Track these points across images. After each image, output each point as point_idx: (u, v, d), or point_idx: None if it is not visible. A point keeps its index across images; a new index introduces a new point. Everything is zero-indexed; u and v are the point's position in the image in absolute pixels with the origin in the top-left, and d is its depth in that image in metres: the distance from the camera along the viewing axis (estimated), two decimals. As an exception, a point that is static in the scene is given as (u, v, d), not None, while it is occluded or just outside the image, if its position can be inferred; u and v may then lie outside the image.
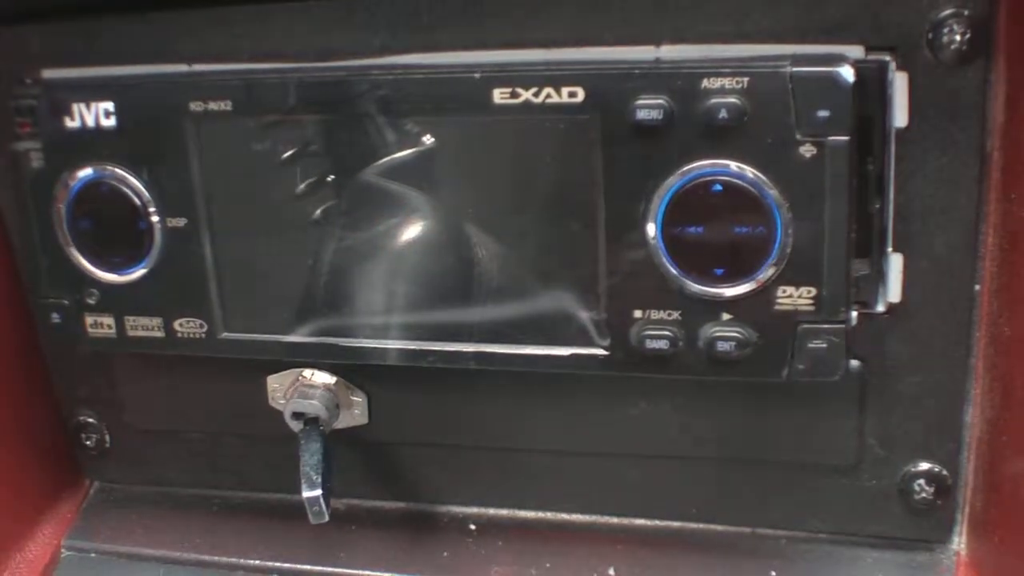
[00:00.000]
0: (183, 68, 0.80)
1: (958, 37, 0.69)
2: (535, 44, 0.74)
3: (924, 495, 0.82)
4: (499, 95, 0.72)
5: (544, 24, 0.74)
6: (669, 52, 0.72)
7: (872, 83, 0.70)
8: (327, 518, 0.83)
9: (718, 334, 0.75)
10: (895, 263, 0.75)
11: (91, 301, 0.86)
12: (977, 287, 0.76)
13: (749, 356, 0.75)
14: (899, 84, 0.70)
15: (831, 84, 0.68)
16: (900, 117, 0.71)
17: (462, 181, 0.77)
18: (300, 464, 0.83)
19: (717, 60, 0.70)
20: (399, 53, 0.76)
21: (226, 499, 0.99)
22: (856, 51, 0.70)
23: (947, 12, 0.69)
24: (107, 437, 1.00)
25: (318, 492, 0.82)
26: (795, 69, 0.68)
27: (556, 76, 0.71)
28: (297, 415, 0.87)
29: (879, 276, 0.75)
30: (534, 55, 0.74)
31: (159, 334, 0.86)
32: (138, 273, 0.84)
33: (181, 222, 0.82)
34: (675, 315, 0.75)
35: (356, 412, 0.89)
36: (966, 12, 0.68)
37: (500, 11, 0.74)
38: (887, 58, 0.70)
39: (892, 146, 0.72)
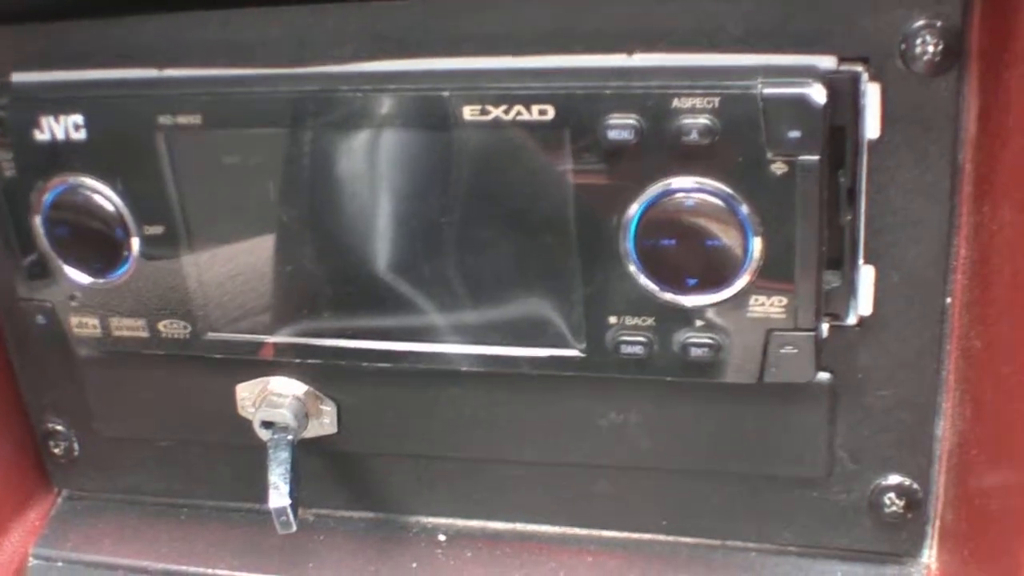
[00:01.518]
0: (153, 73, 0.79)
1: (931, 48, 0.69)
2: (506, 51, 0.74)
3: (894, 508, 0.82)
4: (469, 112, 0.72)
5: (515, 30, 0.74)
6: (641, 61, 0.72)
7: (845, 94, 0.70)
8: (295, 528, 0.82)
9: (692, 340, 0.75)
10: (866, 275, 0.75)
11: (74, 303, 0.86)
12: (948, 300, 0.76)
13: (722, 360, 0.75)
14: (872, 95, 0.70)
15: (802, 105, 0.67)
16: (872, 128, 0.71)
17: (435, 192, 0.76)
18: (268, 474, 0.83)
19: (689, 73, 0.70)
20: (370, 60, 0.76)
21: (195, 508, 0.98)
22: (829, 61, 0.70)
23: (920, 23, 0.68)
24: (75, 445, 0.99)
25: (286, 503, 0.82)
26: (766, 91, 0.68)
27: (526, 94, 0.71)
28: (266, 424, 0.87)
29: (850, 288, 0.75)
30: (505, 63, 0.73)
31: (144, 334, 0.86)
32: (120, 278, 0.84)
33: (158, 230, 0.82)
34: (649, 321, 0.76)
35: (325, 421, 0.89)
36: (939, 23, 0.68)
37: (471, 17, 0.74)
38: (860, 69, 0.70)
39: (864, 158, 0.72)
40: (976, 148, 0.72)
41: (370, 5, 0.75)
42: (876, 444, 0.81)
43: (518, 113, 0.71)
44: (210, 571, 0.94)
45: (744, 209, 0.70)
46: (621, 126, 0.70)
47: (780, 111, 0.68)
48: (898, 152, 0.72)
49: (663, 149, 0.70)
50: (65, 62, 0.81)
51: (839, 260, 0.74)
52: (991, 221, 0.72)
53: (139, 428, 0.96)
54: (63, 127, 0.79)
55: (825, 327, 0.76)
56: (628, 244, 0.73)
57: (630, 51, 0.72)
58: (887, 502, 0.82)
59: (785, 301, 0.73)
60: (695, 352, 0.75)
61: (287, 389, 0.88)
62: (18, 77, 0.82)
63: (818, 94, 0.67)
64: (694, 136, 0.69)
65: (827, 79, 0.69)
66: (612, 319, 0.76)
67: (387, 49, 0.75)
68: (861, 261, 0.75)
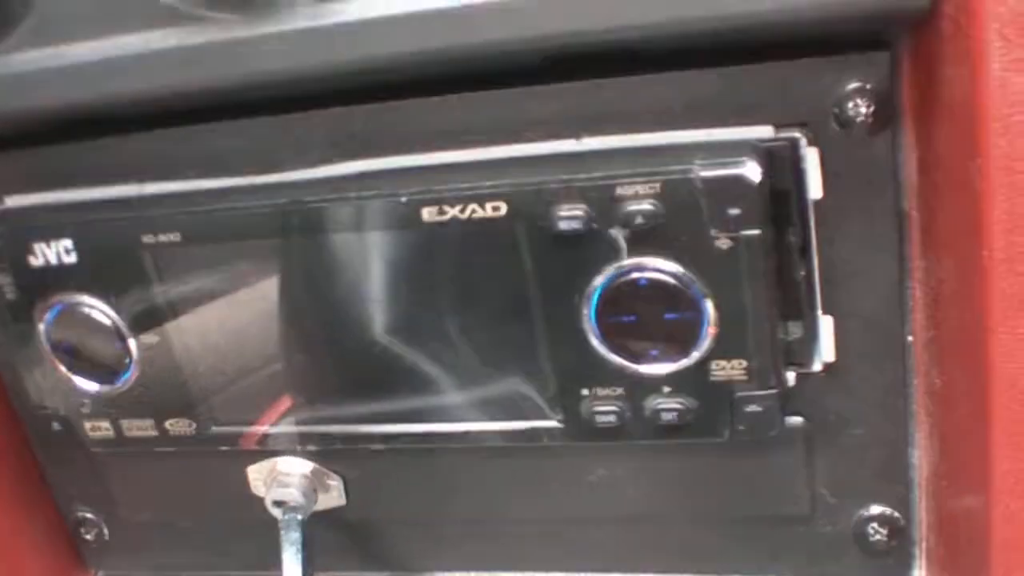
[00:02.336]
0: (134, 189, 0.83)
1: (863, 110, 0.71)
2: (463, 143, 0.77)
3: (879, 537, 0.85)
4: (427, 213, 0.76)
5: (469, 124, 0.77)
6: (588, 144, 0.75)
7: (785, 160, 0.72)
8: None
9: (661, 405, 0.78)
10: (825, 325, 0.78)
11: (85, 410, 0.91)
12: (910, 338, 0.79)
13: (692, 422, 0.79)
14: (811, 159, 0.73)
15: (739, 184, 0.70)
16: (815, 189, 0.74)
17: (406, 287, 0.80)
18: (282, 554, 0.87)
19: (632, 157, 0.73)
20: (334, 163, 0.79)
21: None
22: (766, 131, 0.72)
23: (851, 87, 0.71)
24: (105, 530, 1.04)
25: (299, 585, 0.86)
26: (703, 173, 0.71)
27: (479, 194, 0.74)
28: (277, 503, 0.91)
29: (812, 338, 0.78)
30: (461, 156, 0.77)
31: (153, 433, 0.91)
32: (124, 384, 0.89)
33: (154, 339, 0.86)
34: (619, 391, 0.79)
35: (333, 494, 0.93)
36: (869, 86, 0.71)
37: (427, 115, 0.77)
38: (798, 135, 0.72)
39: (811, 217, 0.75)
40: (920, 197, 0.75)
41: (333, 112, 0.79)
42: (855, 479, 0.84)
43: (473, 211, 0.75)
44: (241, 641, 0.99)
45: (695, 283, 0.74)
46: (570, 216, 0.73)
47: (718, 191, 0.71)
48: (843, 209, 0.75)
49: (612, 234, 0.73)
50: (54, 183, 0.85)
51: (799, 312, 0.77)
52: (937, 267, 0.75)
53: (162, 512, 1.01)
54: (54, 251, 0.84)
55: (792, 375, 0.79)
56: (591, 323, 0.77)
57: (577, 136, 0.75)
58: (871, 531, 0.85)
59: (745, 363, 0.76)
60: (665, 417, 0.78)
61: (294, 468, 0.92)
62: (11, 201, 0.86)
63: (752, 172, 0.70)
64: (640, 220, 0.72)
65: (766, 148, 0.72)
66: (584, 391, 0.80)
67: (349, 151, 0.79)
68: (819, 312, 0.77)
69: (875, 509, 0.85)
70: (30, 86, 0.77)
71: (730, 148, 0.72)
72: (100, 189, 0.84)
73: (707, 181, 0.71)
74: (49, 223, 0.84)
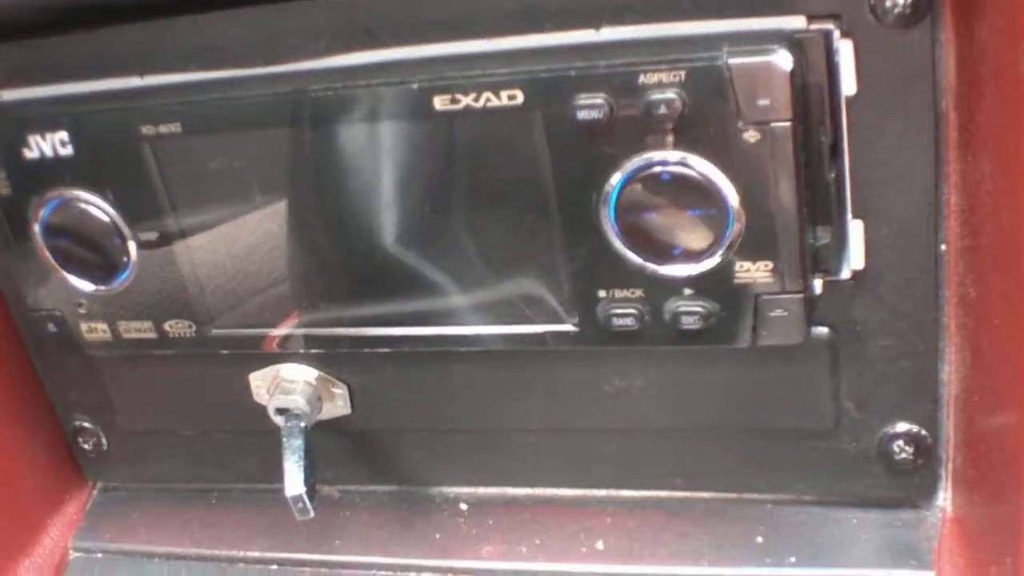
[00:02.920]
0: (135, 81, 0.80)
1: (900, 0, 0.67)
2: (476, 33, 0.73)
3: (904, 455, 0.82)
4: (440, 102, 0.72)
5: (484, 12, 0.73)
6: (608, 35, 0.71)
7: (817, 53, 0.69)
8: (311, 514, 0.84)
9: (682, 309, 0.75)
10: (855, 230, 0.74)
11: (82, 311, 0.88)
12: (943, 247, 0.76)
13: (713, 327, 0.76)
14: (845, 52, 0.69)
15: (769, 72, 0.67)
16: (848, 85, 0.70)
17: (418, 181, 0.77)
18: (283, 462, 0.85)
19: (655, 46, 0.69)
20: (341, 53, 0.76)
21: (224, 492, 1.01)
22: (798, 21, 0.69)
23: None
24: (104, 440, 1.02)
25: (300, 490, 0.84)
26: (731, 60, 0.67)
27: (494, 80, 0.71)
28: (280, 411, 0.88)
29: (841, 244, 0.75)
30: (475, 46, 0.73)
31: (152, 335, 0.88)
32: (122, 284, 0.86)
33: (153, 235, 0.83)
34: (638, 293, 0.76)
35: (339, 403, 0.91)
36: None
37: (439, 1, 0.74)
38: (831, 26, 0.69)
39: (843, 114, 0.71)
40: (956, 96, 0.71)
41: (339, 0, 0.75)
42: (881, 393, 0.81)
43: (487, 100, 0.71)
44: (242, 553, 0.97)
45: (721, 178, 0.70)
46: (590, 105, 0.70)
47: (747, 80, 0.67)
48: (877, 106, 0.71)
49: (634, 125, 0.70)
50: (51, 76, 0.82)
51: (828, 216, 0.74)
52: (974, 169, 0.71)
53: (161, 421, 0.98)
54: (50, 144, 0.81)
55: (819, 283, 0.76)
56: (610, 220, 0.73)
57: (597, 26, 0.72)
58: (896, 449, 0.82)
59: (770, 265, 0.72)
60: (686, 321, 0.75)
61: (298, 375, 0.90)
62: (7, 95, 0.83)
63: (784, 60, 0.67)
64: (663, 110, 0.68)
65: (797, 39, 0.68)
66: (601, 293, 0.76)
67: (357, 41, 0.75)
68: (849, 216, 0.74)
69: (901, 426, 0.82)
70: None
71: (760, 38, 0.68)
72: (99, 81, 0.81)
73: (736, 69, 0.67)
74: (45, 114, 0.81)
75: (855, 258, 0.75)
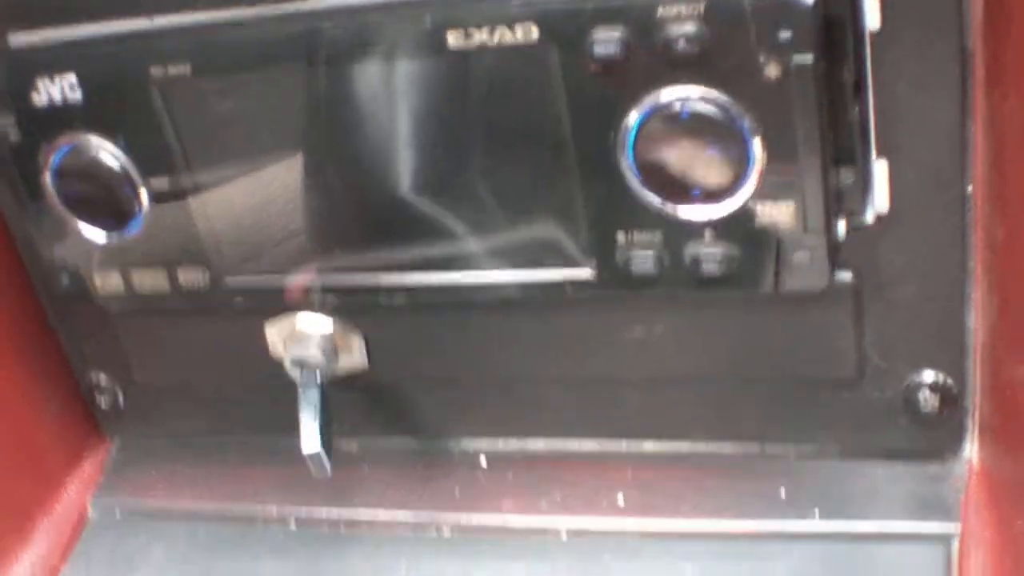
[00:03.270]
0: (144, 22, 0.79)
1: None
2: None
3: (930, 406, 0.81)
4: (453, 38, 0.71)
5: None
6: None
7: None
8: (328, 472, 0.84)
9: (702, 252, 0.74)
10: (880, 170, 0.73)
11: (96, 261, 0.88)
12: (970, 188, 0.74)
13: (734, 272, 0.74)
14: None
15: (790, 4, 0.65)
16: (872, 19, 0.68)
17: (432, 120, 0.76)
18: (299, 419, 0.84)
19: None
20: None
21: (243, 446, 1.00)
22: None
23: None
24: (120, 396, 1.01)
25: (317, 448, 0.83)
26: None
27: (509, 14, 0.69)
28: (297, 362, 0.87)
29: (865, 185, 0.73)
30: None
31: (165, 285, 0.87)
32: (134, 232, 0.85)
33: (164, 181, 0.82)
34: (657, 236, 0.75)
35: (355, 355, 0.89)
36: None
37: None
38: None
39: (867, 51, 0.70)
40: (984, 32, 0.69)
41: None
42: (906, 341, 0.79)
43: (502, 35, 0.70)
44: (261, 507, 0.96)
45: (741, 116, 0.68)
46: (607, 40, 0.68)
47: (768, 12, 0.65)
48: (902, 42, 0.69)
49: (653, 61, 0.68)
50: (58, 19, 0.81)
51: (851, 157, 0.72)
52: (1002, 109, 0.69)
53: (178, 375, 0.98)
54: (59, 88, 0.80)
55: (842, 226, 0.74)
56: (628, 159, 0.72)
57: None
58: (922, 399, 0.81)
59: (793, 206, 0.71)
60: (707, 266, 0.74)
61: (314, 326, 0.88)
62: (14, 39, 0.82)
63: None
64: (682, 45, 0.67)
65: None
66: (620, 236, 0.75)
67: None
68: (873, 156, 0.73)
69: (927, 375, 0.80)
70: None
71: None
72: (107, 23, 0.80)
73: (756, 1, 0.65)
74: (52, 58, 0.80)
75: (879, 200, 0.74)
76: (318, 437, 0.84)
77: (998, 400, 0.78)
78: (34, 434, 0.99)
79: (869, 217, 0.74)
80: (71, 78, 0.79)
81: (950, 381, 0.80)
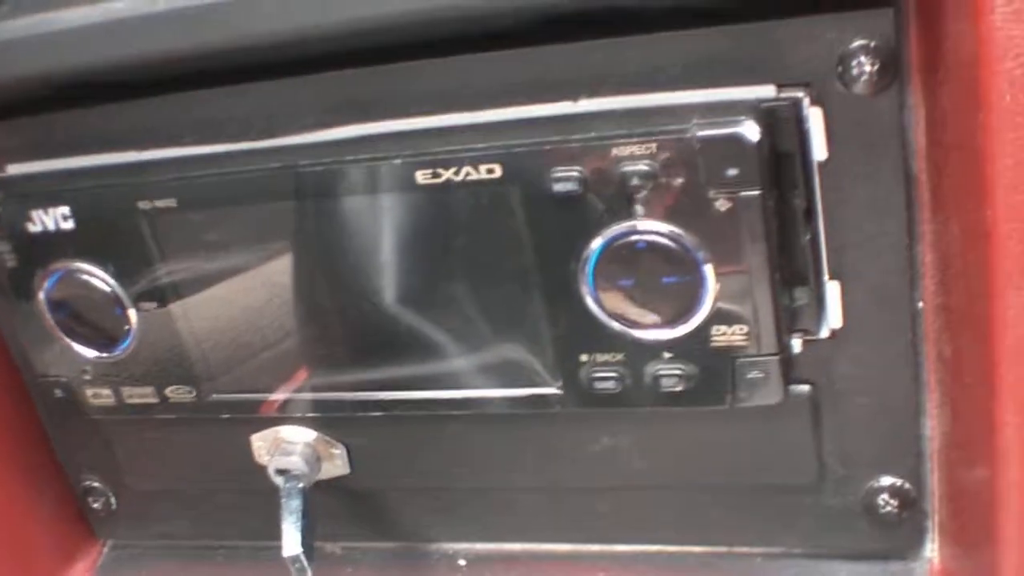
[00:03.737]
0: (133, 156, 0.83)
1: (868, 68, 0.69)
2: (458, 106, 0.76)
3: (889, 509, 0.83)
4: (421, 176, 0.75)
5: (466, 87, 0.76)
6: (586, 106, 0.74)
7: (788, 120, 0.71)
8: (309, 574, 0.86)
9: (662, 371, 0.77)
10: (832, 291, 0.76)
11: (87, 377, 0.91)
12: (920, 304, 0.77)
13: (693, 389, 0.77)
14: (814, 119, 0.71)
15: (736, 143, 0.69)
16: (819, 151, 0.72)
17: (403, 251, 0.79)
18: (281, 522, 0.87)
19: (629, 118, 0.72)
20: (330, 127, 0.78)
21: (230, 549, 1.03)
22: (768, 90, 0.71)
23: (854, 44, 0.69)
24: (113, 499, 1.04)
25: (297, 550, 0.86)
26: (700, 132, 0.69)
27: (474, 156, 0.73)
28: (280, 471, 0.90)
29: (819, 304, 0.76)
30: (457, 119, 0.76)
31: (154, 400, 0.90)
32: (124, 352, 0.89)
33: (152, 305, 0.86)
34: (619, 357, 0.78)
35: (338, 463, 0.92)
36: (873, 43, 0.68)
37: (422, 78, 0.76)
38: (800, 94, 0.70)
39: (816, 179, 0.73)
40: (928, 159, 0.73)
41: (326, 77, 0.77)
42: (864, 448, 0.82)
43: (467, 174, 0.74)
44: (246, 611, 0.98)
45: (694, 246, 0.72)
46: (565, 178, 0.72)
47: (716, 151, 0.69)
48: (849, 171, 0.73)
49: (609, 196, 0.72)
50: (54, 151, 0.85)
51: (805, 278, 0.75)
52: (945, 232, 0.73)
53: (168, 481, 1.00)
54: (52, 218, 0.83)
55: (798, 342, 0.77)
56: (588, 287, 0.75)
57: (575, 98, 0.74)
58: (881, 503, 0.83)
59: (746, 328, 0.74)
60: (666, 383, 0.77)
61: (297, 437, 0.92)
62: (12, 169, 0.86)
63: (751, 131, 0.68)
64: (636, 181, 0.71)
65: (767, 108, 0.70)
66: (583, 357, 0.78)
67: (345, 115, 0.78)
68: (826, 278, 0.76)
69: (885, 480, 0.83)
70: (24, 52, 0.76)
71: (730, 108, 0.70)
72: (99, 156, 0.84)
73: (704, 141, 0.69)
74: (47, 190, 0.84)
75: (833, 318, 0.77)
76: (299, 540, 0.87)
77: (955, 503, 0.81)
78: (29, 534, 1.02)
79: (823, 333, 0.77)
80: (64, 210, 0.83)
81: (908, 485, 0.82)
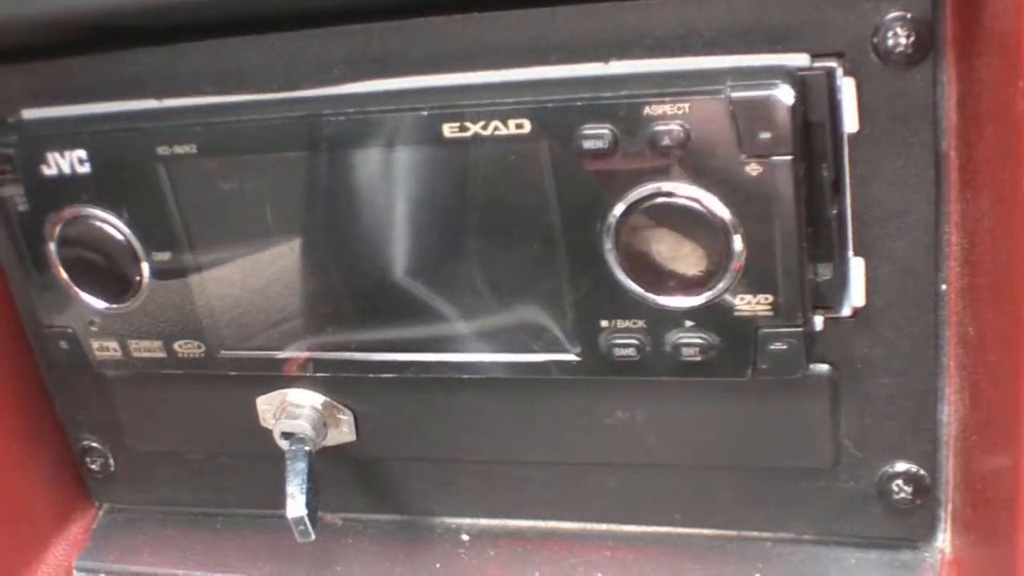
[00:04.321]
0: (152, 103, 0.82)
1: (903, 40, 0.68)
2: (487, 65, 0.75)
3: (903, 495, 0.82)
4: (448, 129, 0.74)
5: (495, 45, 0.75)
6: (616, 68, 0.73)
7: (820, 90, 0.70)
8: (313, 536, 0.85)
9: (683, 340, 0.76)
10: (856, 267, 0.75)
11: (94, 328, 0.89)
12: (944, 287, 0.76)
13: (713, 359, 0.76)
14: (847, 90, 0.70)
15: (770, 106, 0.68)
16: (851, 122, 0.71)
17: (426, 207, 0.78)
18: (286, 484, 0.85)
19: (661, 80, 0.71)
20: (355, 81, 0.77)
21: (228, 516, 1.02)
22: (802, 59, 0.70)
23: (890, 15, 0.68)
24: (111, 461, 1.03)
25: (302, 512, 0.84)
26: (734, 94, 0.68)
27: (502, 109, 0.72)
28: (286, 435, 0.89)
29: (842, 280, 0.76)
30: (485, 77, 0.75)
31: (161, 355, 0.89)
32: (134, 303, 0.87)
33: (166, 256, 0.85)
34: (640, 324, 0.77)
35: (344, 429, 0.91)
36: (909, 15, 0.68)
37: (451, 34, 0.75)
38: (834, 64, 0.70)
39: (845, 151, 0.72)
40: (958, 136, 0.72)
41: (353, 29, 0.77)
42: (880, 432, 0.81)
43: (495, 128, 0.73)
44: (245, 576, 0.97)
45: (722, 210, 0.71)
46: (595, 135, 0.71)
47: (749, 113, 0.68)
48: (879, 144, 0.72)
49: (638, 156, 0.71)
50: (71, 97, 0.84)
51: (829, 253, 0.75)
52: (975, 209, 0.72)
53: (169, 443, 0.99)
54: (68, 162, 0.82)
55: (820, 319, 0.77)
56: (612, 249, 0.74)
57: (605, 59, 0.73)
58: (895, 489, 0.82)
59: (771, 298, 0.73)
60: (687, 352, 0.76)
61: (304, 400, 0.90)
62: (28, 114, 0.85)
63: (785, 95, 0.68)
64: (667, 141, 0.70)
65: (800, 76, 0.69)
66: (604, 323, 0.77)
67: (370, 70, 0.77)
68: (851, 253, 0.75)
69: (900, 465, 0.82)
70: None
71: (763, 73, 0.69)
72: (118, 103, 0.83)
73: (738, 102, 0.68)
74: (63, 132, 0.82)
75: (856, 295, 0.76)
76: (304, 502, 0.85)
77: (970, 492, 0.80)
78: (24, 494, 1.01)
79: (845, 311, 0.77)
80: (81, 153, 0.82)
81: (923, 472, 0.82)
